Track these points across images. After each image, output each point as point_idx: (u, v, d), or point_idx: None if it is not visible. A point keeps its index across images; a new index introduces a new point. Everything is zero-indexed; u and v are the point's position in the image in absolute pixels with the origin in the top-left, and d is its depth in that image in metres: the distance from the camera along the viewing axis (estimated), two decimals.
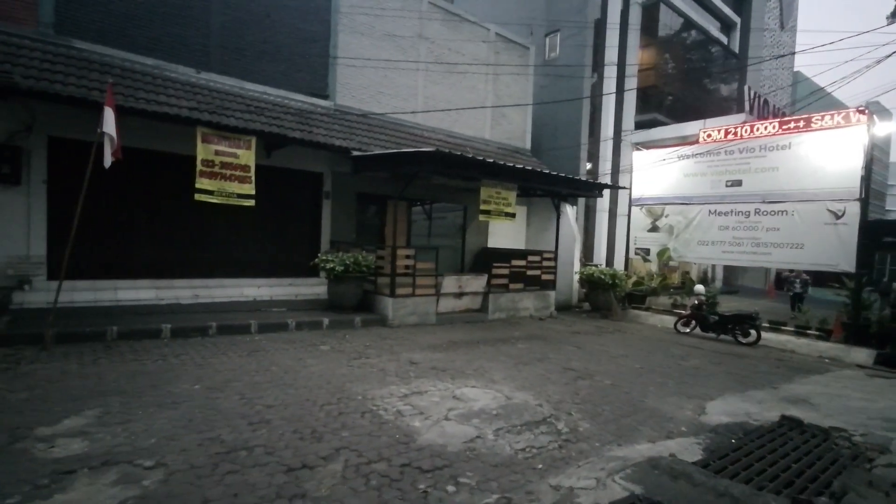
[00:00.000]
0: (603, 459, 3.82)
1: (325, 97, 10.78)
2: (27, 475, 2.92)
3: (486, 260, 12.07)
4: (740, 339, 10.04)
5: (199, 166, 7.73)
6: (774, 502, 3.21)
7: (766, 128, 10.79)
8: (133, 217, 8.44)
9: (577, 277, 13.41)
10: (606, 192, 15.27)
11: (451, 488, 3.15)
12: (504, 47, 14.13)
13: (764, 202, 10.81)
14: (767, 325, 10.75)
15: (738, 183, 11.33)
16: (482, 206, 9.27)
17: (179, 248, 8.83)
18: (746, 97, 13.95)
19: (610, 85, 15.11)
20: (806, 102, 19.63)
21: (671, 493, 3.21)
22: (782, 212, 10.53)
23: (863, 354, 8.94)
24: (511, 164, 9.16)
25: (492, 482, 3.28)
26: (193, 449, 3.37)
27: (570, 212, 13.68)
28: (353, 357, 6.44)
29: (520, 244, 14.48)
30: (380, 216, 12.07)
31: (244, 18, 9.61)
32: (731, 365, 7.93)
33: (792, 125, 10.48)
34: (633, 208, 13.45)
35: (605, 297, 12.62)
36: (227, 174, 8.04)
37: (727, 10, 20.79)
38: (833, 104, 18.96)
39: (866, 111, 9.37)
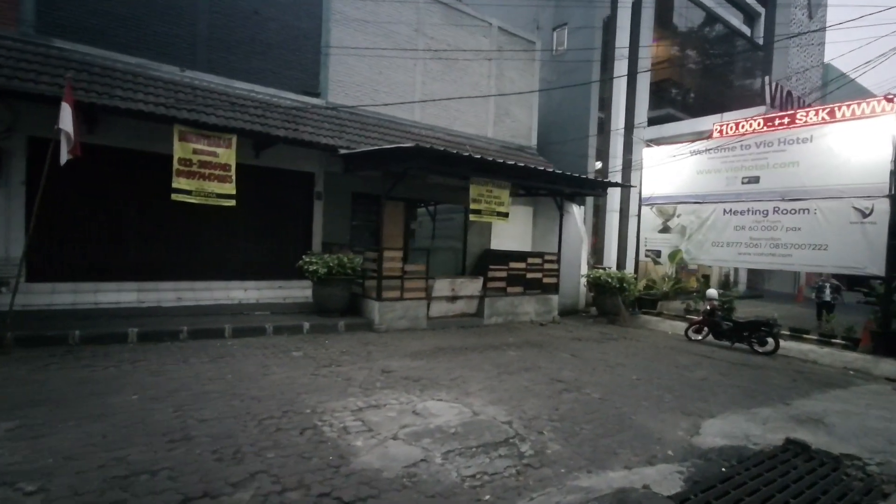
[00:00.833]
0: (563, 491, 3.33)
1: (317, 95, 10.50)
2: None
3: (489, 262, 11.59)
4: (756, 347, 9.27)
5: (175, 165, 7.52)
6: None
7: (782, 120, 10.00)
8: (117, 218, 8.28)
9: (584, 281, 12.78)
10: (616, 192, 14.62)
11: None
12: (508, 42, 13.63)
13: (783, 200, 10.02)
14: (788, 332, 9.94)
15: (756, 180, 10.55)
16: (472, 206, 8.80)
17: (165, 249, 8.65)
18: (767, 89, 13.12)
19: (620, 79, 14.44)
20: (832, 93, 18.51)
21: None
22: (804, 210, 9.72)
23: (893, 367, 8.10)
24: (501, 160, 8.68)
25: None
26: (91, 471, 3.03)
27: (577, 212, 13.07)
28: (323, 365, 6.07)
29: (526, 245, 13.94)
30: (376, 217, 11.73)
31: (232, 15, 9.41)
32: (741, 377, 7.26)
33: (811, 116, 9.68)
34: (644, 208, 12.76)
35: (612, 301, 11.96)
36: (205, 173, 7.81)
37: (750, 0, 19.81)
38: (866, 95, 17.78)
39: (894, 99, 8.53)
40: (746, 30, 20.22)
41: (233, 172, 8.06)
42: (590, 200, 14.42)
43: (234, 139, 8.06)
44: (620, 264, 14.55)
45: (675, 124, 14.89)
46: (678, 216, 12.00)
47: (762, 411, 5.49)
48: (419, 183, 11.13)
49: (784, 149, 10.06)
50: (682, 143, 12.51)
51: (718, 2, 18.70)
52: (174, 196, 7.53)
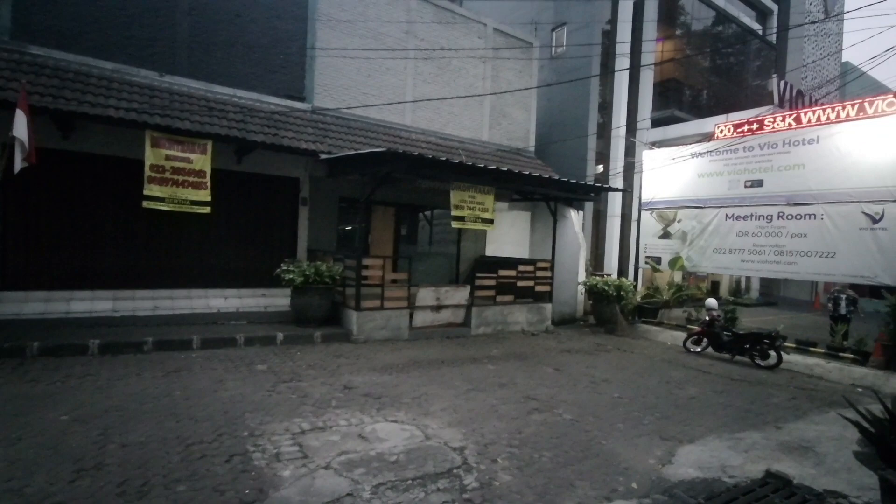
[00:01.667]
0: None
1: (302, 99, 10.32)
2: None
3: (483, 269, 11.24)
4: (758, 361, 8.75)
5: (147, 172, 7.38)
6: None
7: (784, 119, 9.46)
8: (94, 225, 8.17)
9: (581, 288, 12.33)
10: (618, 196, 14.16)
11: None
12: (504, 43, 13.30)
13: (788, 204, 9.46)
14: (794, 345, 9.37)
15: (759, 183, 10.00)
16: (454, 212, 8.47)
17: (143, 257, 8.52)
18: (776, 88, 12.53)
19: (622, 80, 14.01)
20: (849, 90, 17.72)
21: None
22: (810, 215, 9.16)
23: None
24: (482, 165, 8.33)
25: None
26: None
27: (575, 217, 12.63)
28: (284, 380, 5.81)
29: (524, 251, 13.55)
30: (365, 223, 11.49)
31: (213, 19, 9.29)
32: (736, 395, 6.78)
33: (814, 116, 9.13)
34: (644, 213, 12.26)
35: (609, 310, 11.50)
36: (179, 180, 7.65)
37: None
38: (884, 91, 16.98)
39: None
40: (758, 27, 19.54)
41: (208, 179, 7.89)
42: (590, 205, 13.98)
43: (210, 145, 7.89)
44: (622, 271, 14.07)
45: (681, 125, 14.37)
46: (679, 221, 11.48)
47: (749, 436, 5.04)
48: (411, 187, 10.85)
49: (789, 150, 9.51)
50: (687, 144, 12.01)
51: None
52: (146, 203, 7.38)
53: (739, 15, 18.38)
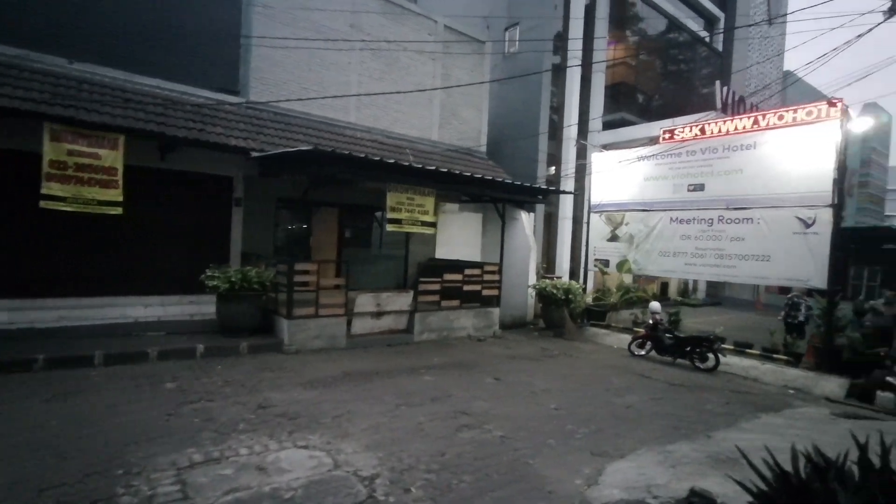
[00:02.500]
0: None
1: (236, 92, 9.69)
2: None
3: (432, 273, 10.88)
4: (698, 364, 8.80)
5: (46, 168, 6.63)
6: None
7: (718, 126, 9.61)
8: None
9: (532, 292, 12.20)
10: (569, 198, 14.13)
11: None
12: (455, 40, 13.00)
13: (728, 209, 9.59)
14: (732, 347, 9.50)
15: (701, 187, 10.11)
16: (390, 214, 8.08)
17: (46, 262, 7.69)
18: (719, 94, 12.77)
19: (573, 82, 13.98)
20: (789, 98, 18.45)
21: None
22: (748, 219, 9.30)
23: (834, 385, 7.69)
24: (422, 165, 7.99)
25: None
26: None
27: (526, 219, 12.49)
28: (191, 400, 5.28)
29: (475, 254, 13.30)
30: (307, 225, 10.95)
31: (134, 2, 8.54)
32: (674, 402, 6.72)
33: (752, 121, 9.29)
34: (593, 216, 12.25)
35: (558, 313, 11.40)
36: (84, 178, 6.92)
37: (709, 5, 19.65)
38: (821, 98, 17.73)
39: (839, 103, 8.15)
40: (705, 34, 20.08)
41: (120, 177, 7.19)
42: (542, 207, 13.88)
43: (122, 140, 7.19)
44: (574, 274, 14.04)
45: (631, 129, 14.48)
46: (626, 224, 11.51)
47: (679, 448, 4.90)
48: (358, 187, 10.35)
49: (728, 155, 9.64)
50: (636, 147, 12.06)
51: (677, 6, 18.46)
52: (43, 203, 6.63)
53: (688, 21, 18.80)
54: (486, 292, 10.43)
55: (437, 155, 12.25)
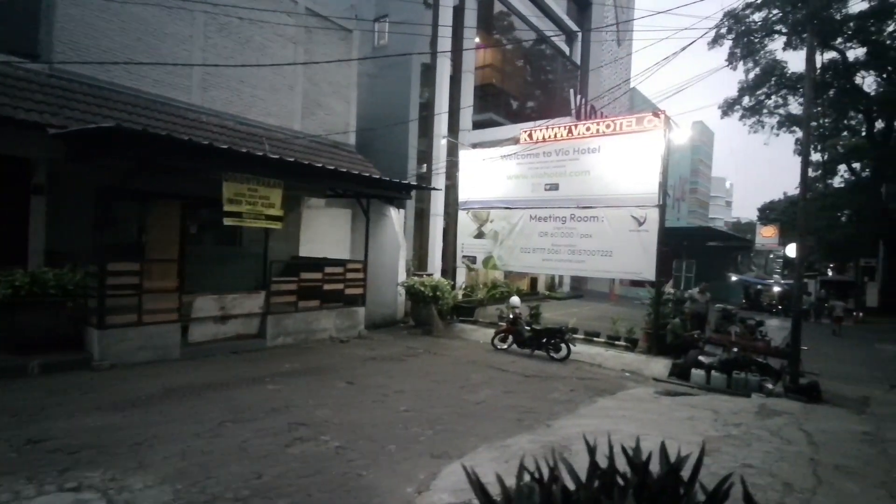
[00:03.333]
0: None
1: (35, 57, 7.97)
2: None
3: (293, 272, 10.05)
4: (552, 354, 9.28)
5: None
6: None
7: (561, 130, 10.34)
8: None
9: (401, 289, 11.97)
10: (440, 195, 14.21)
11: None
12: (320, 26, 12.26)
13: (578, 207, 10.29)
14: (583, 336, 10.22)
15: (556, 187, 10.73)
16: (227, 207, 7.18)
17: None
18: (573, 101, 13.75)
19: (443, 81, 14.08)
20: (638, 107, 20.75)
21: None
22: (594, 217, 10.06)
23: (660, 365, 8.60)
24: (262, 153, 7.26)
25: None
26: None
27: (395, 215, 12.21)
28: None
29: (344, 252, 12.69)
30: (138, 219, 9.44)
31: None
32: (524, 393, 6.90)
33: (586, 128, 10.13)
34: (461, 213, 12.41)
35: (426, 311, 11.33)
36: None
37: (568, 21, 21.31)
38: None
39: (661, 115, 9.14)
40: (566, 48, 21.75)
41: None
42: (411, 204, 13.76)
43: None
44: (445, 271, 14.15)
45: (497, 129, 15.06)
46: (492, 221, 11.83)
47: (518, 441, 4.94)
48: (205, 177, 9.12)
49: (577, 158, 10.35)
50: (502, 147, 12.45)
51: (542, 19, 19.71)
52: None
53: (549, 34, 20.17)
54: (349, 291, 9.94)
55: (298, 146, 11.43)
